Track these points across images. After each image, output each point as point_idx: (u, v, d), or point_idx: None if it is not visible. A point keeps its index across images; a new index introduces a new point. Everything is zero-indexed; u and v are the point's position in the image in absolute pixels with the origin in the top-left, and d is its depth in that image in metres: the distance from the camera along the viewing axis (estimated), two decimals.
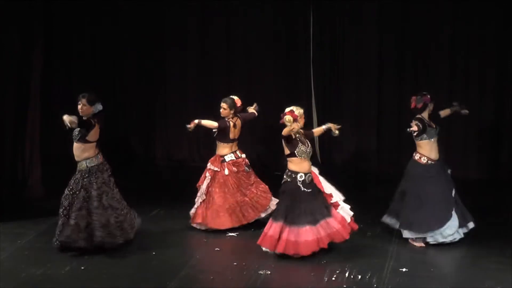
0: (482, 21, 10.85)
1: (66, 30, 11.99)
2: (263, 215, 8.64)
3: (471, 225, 8.22)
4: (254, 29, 11.69)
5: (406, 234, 8.13)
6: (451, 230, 8.04)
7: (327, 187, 7.76)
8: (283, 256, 7.61)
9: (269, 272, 7.29)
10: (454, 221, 8.04)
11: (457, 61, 11.11)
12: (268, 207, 8.65)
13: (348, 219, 7.73)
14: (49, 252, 7.75)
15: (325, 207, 7.67)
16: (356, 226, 7.82)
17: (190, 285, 7.03)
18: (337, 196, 7.79)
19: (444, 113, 8.40)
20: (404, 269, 7.34)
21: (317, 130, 8.17)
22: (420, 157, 8.13)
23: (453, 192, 8.18)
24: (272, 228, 7.65)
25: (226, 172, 8.55)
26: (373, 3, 11.25)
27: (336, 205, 7.73)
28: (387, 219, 8.38)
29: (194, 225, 8.64)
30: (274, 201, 8.60)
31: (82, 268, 7.35)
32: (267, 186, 8.77)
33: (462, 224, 8.14)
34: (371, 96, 11.46)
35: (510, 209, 9.44)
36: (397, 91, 11.26)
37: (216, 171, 8.59)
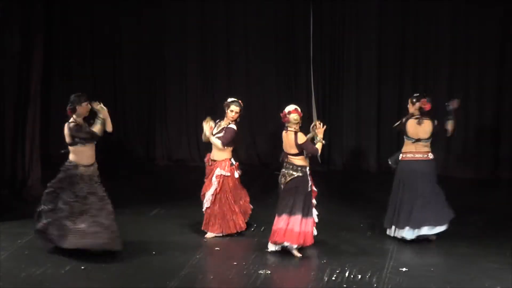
0: (482, 21, 10.86)
1: (66, 29, 12.00)
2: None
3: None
4: (254, 29, 11.70)
5: (409, 235, 8.12)
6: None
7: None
8: (284, 256, 7.62)
9: (269, 272, 7.28)
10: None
11: (457, 61, 11.12)
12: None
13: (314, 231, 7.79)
14: (49, 252, 7.73)
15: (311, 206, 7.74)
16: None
17: (190, 285, 7.02)
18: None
19: (450, 126, 8.15)
20: (404, 269, 7.34)
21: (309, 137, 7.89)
22: (433, 157, 8.12)
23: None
24: (291, 222, 7.59)
25: (236, 175, 8.31)
26: (373, 3, 11.25)
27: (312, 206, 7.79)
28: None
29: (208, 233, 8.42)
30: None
31: (82, 268, 7.33)
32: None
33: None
34: (371, 96, 11.46)
35: (510, 209, 9.45)
36: (397, 91, 11.27)
37: (227, 176, 8.27)
